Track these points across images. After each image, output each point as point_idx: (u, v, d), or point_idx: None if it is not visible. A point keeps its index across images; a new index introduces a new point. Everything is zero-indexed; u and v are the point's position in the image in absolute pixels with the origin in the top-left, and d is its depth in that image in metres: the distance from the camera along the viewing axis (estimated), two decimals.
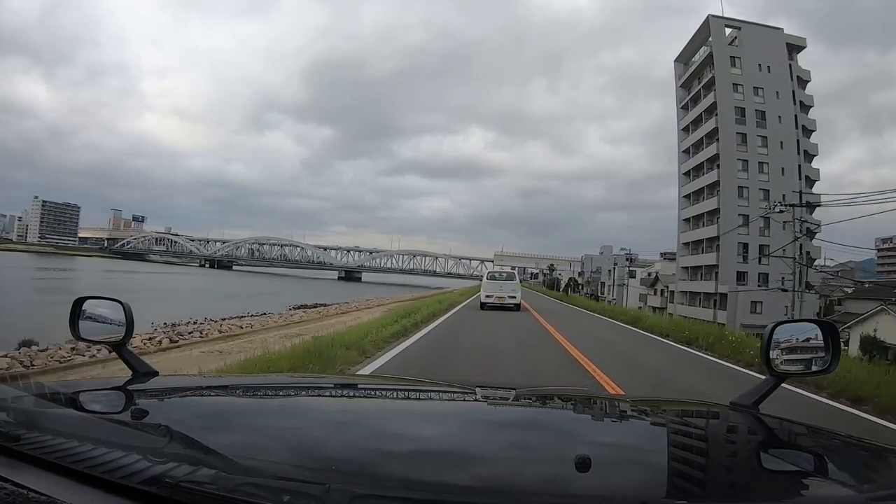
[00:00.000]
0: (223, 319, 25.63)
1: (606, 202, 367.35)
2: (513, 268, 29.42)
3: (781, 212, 30.18)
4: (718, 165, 43.42)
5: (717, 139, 43.25)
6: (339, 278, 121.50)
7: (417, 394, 1.52)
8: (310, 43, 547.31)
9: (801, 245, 31.65)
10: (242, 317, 27.75)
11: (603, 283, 73.79)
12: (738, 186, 42.11)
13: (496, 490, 0.76)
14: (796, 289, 30.33)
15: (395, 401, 1.42)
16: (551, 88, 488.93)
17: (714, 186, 43.74)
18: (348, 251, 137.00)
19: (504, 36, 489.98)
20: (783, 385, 1.25)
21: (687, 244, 47.07)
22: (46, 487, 0.68)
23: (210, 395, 1.29)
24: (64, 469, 0.70)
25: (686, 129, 48.93)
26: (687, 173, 48.19)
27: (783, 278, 40.65)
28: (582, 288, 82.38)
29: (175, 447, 0.76)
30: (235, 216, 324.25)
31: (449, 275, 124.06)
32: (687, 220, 47.51)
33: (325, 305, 36.87)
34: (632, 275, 60.61)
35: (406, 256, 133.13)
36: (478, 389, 1.52)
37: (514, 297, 18.54)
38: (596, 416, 1.38)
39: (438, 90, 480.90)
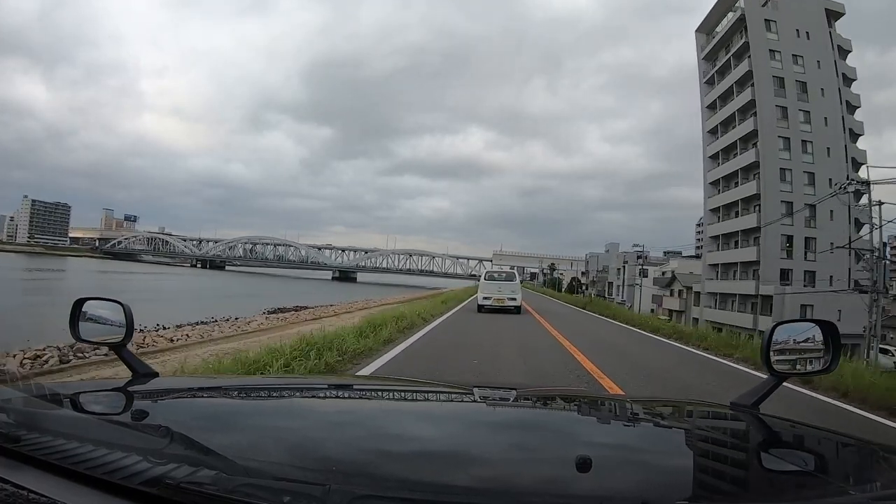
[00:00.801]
0: (177, 327, 20.66)
1: (606, 201, 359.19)
2: (512, 267, 25.28)
3: (858, 191, 23.03)
4: (755, 144, 36.01)
5: (755, 113, 35.78)
6: (334, 278, 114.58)
7: (418, 394, 1.49)
8: (309, 42, 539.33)
9: (872, 234, 24.78)
10: (199, 324, 22.44)
11: (611, 284, 66.35)
12: (780, 168, 34.73)
13: (496, 491, 0.75)
14: (871, 288, 23.13)
15: (396, 401, 1.39)
16: (551, 88, 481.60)
17: (750, 169, 36.29)
18: (343, 251, 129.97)
19: (504, 35, 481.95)
20: None
21: (715, 238, 39.57)
22: (47, 488, 0.66)
23: (210, 397, 1.27)
24: (64, 470, 0.69)
25: (712, 107, 41.48)
26: (714, 156, 40.63)
27: (831, 277, 33.75)
28: (586, 288, 75.22)
29: (175, 448, 0.74)
30: (234, 216, 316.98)
31: (446, 274, 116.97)
32: (715, 209, 39.97)
33: (304, 309, 31.66)
34: (643, 274, 53.33)
35: (402, 256, 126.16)
36: (479, 390, 1.48)
37: (514, 299, 16.47)
38: (596, 416, 1.34)
39: (438, 90, 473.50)
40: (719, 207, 39.22)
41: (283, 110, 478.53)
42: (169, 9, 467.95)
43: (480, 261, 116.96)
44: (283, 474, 0.69)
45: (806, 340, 1.26)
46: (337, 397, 1.41)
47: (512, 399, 1.46)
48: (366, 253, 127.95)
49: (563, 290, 76.38)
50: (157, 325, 20.64)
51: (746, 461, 0.99)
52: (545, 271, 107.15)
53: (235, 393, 1.31)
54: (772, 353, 1.24)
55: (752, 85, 36.21)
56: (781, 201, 33.98)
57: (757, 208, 34.84)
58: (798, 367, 1.28)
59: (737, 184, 37.56)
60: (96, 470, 0.67)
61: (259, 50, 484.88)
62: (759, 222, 33.44)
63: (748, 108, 36.88)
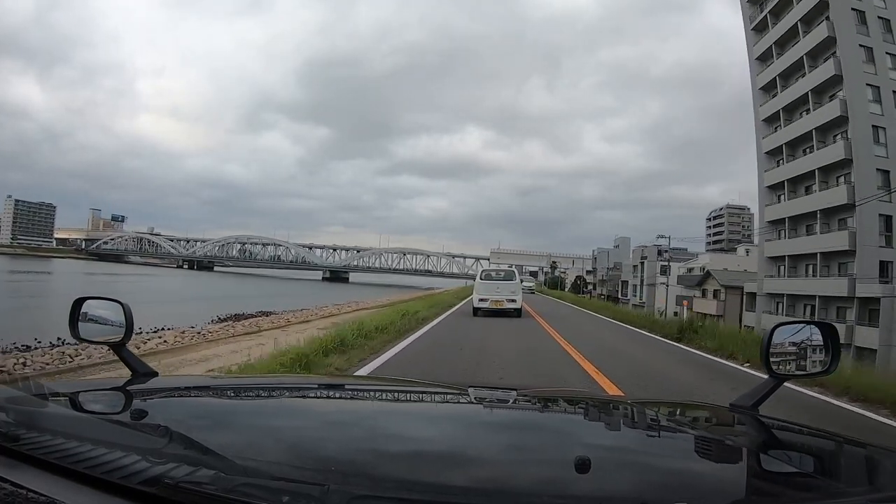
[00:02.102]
0: (52, 345, 15.75)
1: (605, 201, 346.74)
2: (510, 266, 21.03)
3: None
4: (832, 97, 26.38)
5: (833, 54, 26.11)
6: (324, 279, 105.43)
7: (417, 395, 1.45)
8: (308, 42, 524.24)
9: None
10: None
11: (624, 283, 56.58)
12: (872, 126, 25.06)
13: (495, 491, 0.73)
14: None
15: (395, 402, 1.36)
16: (549, 87, 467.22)
17: (828, 129, 26.53)
18: (334, 250, 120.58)
19: (503, 34, 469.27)
20: None
21: (776, 221, 29.85)
22: (46, 488, 0.65)
23: (209, 396, 1.25)
24: (63, 469, 0.67)
25: (763, 58, 31.80)
26: (770, 118, 30.87)
27: None
28: (594, 288, 65.74)
29: (174, 448, 0.73)
30: (232, 216, 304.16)
31: (442, 274, 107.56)
32: (775, 186, 30.17)
33: (269, 314, 26.97)
34: (667, 271, 43.73)
35: (396, 255, 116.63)
36: (478, 391, 1.47)
37: (514, 301, 14.54)
38: (596, 417, 1.30)
39: (436, 89, 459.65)
40: (783, 182, 29.31)
41: (281, 110, 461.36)
42: (167, 8, 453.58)
43: (478, 259, 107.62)
44: (281, 474, 0.68)
45: (806, 342, 1.24)
46: (336, 397, 1.38)
47: (511, 400, 1.42)
48: (358, 252, 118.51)
49: (567, 290, 67.56)
50: (21, 344, 15.02)
51: (746, 463, 0.96)
52: (545, 270, 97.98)
53: (234, 393, 1.28)
54: (771, 355, 1.21)
55: (828, 18, 26.54)
56: (877, 169, 24.39)
57: (843, 180, 25.20)
58: (798, 368, 1.25)
59: (806, 151, 27.82)
60: (95, 469, 0.65)
61: (257, 49, 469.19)
62: (852, 198, 23.75)
63: (821, 51, 27.19)
